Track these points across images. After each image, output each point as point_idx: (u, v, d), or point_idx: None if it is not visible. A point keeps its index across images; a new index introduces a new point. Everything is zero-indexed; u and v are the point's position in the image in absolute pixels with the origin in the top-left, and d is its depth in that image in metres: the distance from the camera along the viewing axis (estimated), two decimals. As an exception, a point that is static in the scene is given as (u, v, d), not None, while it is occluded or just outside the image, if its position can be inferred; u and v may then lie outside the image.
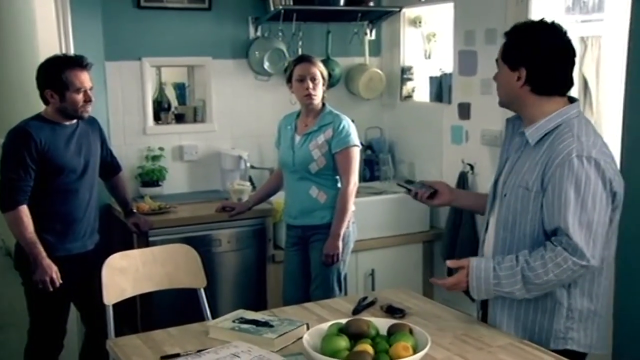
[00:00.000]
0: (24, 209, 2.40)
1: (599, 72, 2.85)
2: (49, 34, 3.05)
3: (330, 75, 2.86)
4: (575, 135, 1.68)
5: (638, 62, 2.39)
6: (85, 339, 2.77)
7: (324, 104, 2.83)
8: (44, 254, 2.43)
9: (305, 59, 2.81)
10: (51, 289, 2.44)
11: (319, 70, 2.76)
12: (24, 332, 2.63)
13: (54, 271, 2.44)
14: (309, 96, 2.75)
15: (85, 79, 2.48)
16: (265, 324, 1.88)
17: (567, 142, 1.68)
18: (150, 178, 3.50)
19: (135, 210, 3.00)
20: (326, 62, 3.68)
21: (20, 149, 2.38)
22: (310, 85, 2.74)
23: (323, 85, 2.79)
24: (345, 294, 2.90)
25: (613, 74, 2.78)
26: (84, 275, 2.54)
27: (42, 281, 2.43)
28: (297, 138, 2.84)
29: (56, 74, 2.43)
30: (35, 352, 2.58)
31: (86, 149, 2.58)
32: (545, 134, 1.74)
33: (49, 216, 2.49)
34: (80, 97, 2.46)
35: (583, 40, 2.88)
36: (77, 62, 2.48)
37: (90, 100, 2.50)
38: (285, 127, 2.93)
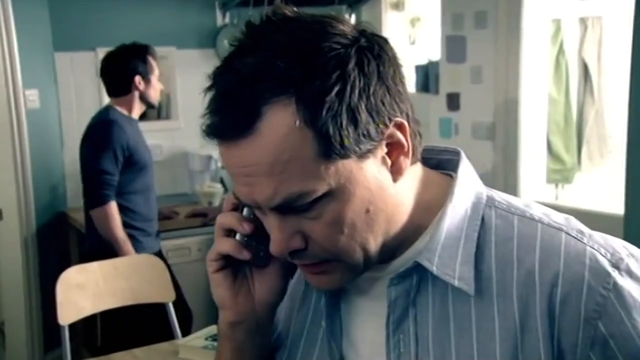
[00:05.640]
0: (114, 205, 2.46)
1: (601, 56, 2.82)
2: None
3: None
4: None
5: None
6: None
7: None
8: (133, 251, 2.52)
9: None
10: None
11: None
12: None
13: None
14: None
15: None
16: (244, 342, 1.81)
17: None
18: (109, 182, 3.38)
19: None
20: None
21: (113, 142, 2.45)
22: None
23: None
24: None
25: (616, 57, 2.74)
26: None
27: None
28: None
29: (144, 58, 2.56)
30: None
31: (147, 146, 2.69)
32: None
33: (132, 215, 2.56)
34: (159, 82, 2.62)
35: (583, 20, 2.86)
36: (150, 48, 2.62)
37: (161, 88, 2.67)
38: None
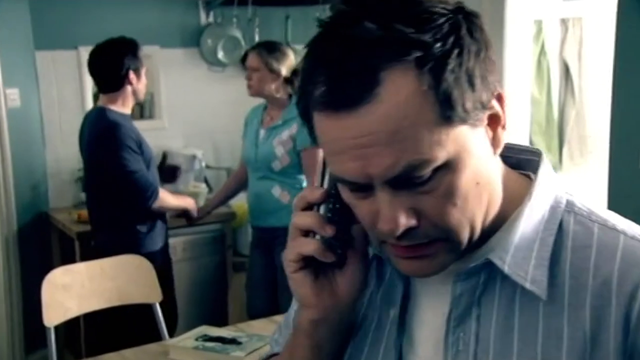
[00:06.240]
0: (161, 191, 2.59)
1: (581, 56, 2.88)
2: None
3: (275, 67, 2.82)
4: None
5: (626, 46, 2.39)
6: None
7: (290, 96, 2.79)
8: (182, 202, 2.80)
9: (254, 47, 2.85)
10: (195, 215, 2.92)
11: (263, 61, 2.73)
12: None
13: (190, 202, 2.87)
14: (248, 86, 2.79)
15: None
16: (233, 341, 1.84)
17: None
18: (92, 182, 3.36)
19: None
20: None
21: (127, 141, 2.48)
22: (250, 75, 2.76)
23: (274, 77, 2.73)
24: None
25: (595, 57, 2.80)
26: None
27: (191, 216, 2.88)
28: (262, 132, 2.81)
29: (134, 52, 2.56)
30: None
31: None
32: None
33: (141, 214, 2.59)
34: (145, 77, 2.63)
35: (564, 21, 2.91)
36: (138, 44, 2.61)
37: None
38: (251, 121, 2.90)
